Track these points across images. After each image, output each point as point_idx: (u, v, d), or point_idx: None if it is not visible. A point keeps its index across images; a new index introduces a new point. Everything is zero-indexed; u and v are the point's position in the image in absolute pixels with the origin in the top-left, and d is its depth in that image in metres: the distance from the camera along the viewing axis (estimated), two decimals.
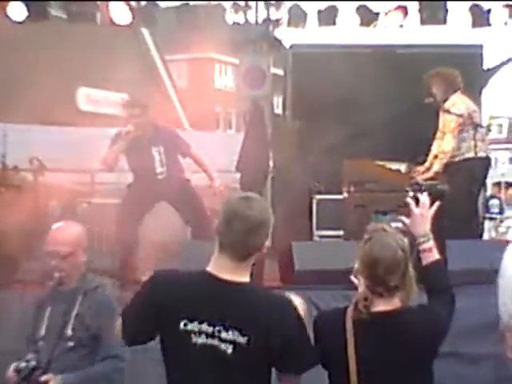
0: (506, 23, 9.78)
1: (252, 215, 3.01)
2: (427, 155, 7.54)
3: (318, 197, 8.58)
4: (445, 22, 9.75)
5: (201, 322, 2.95)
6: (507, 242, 10.90)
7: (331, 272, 5.92)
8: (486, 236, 10.86)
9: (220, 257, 3.04)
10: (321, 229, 8.43)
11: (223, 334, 2.93)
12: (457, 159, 7.35)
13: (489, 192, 20.46)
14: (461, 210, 7.48)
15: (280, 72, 10.49)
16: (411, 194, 7.31)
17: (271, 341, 2.93)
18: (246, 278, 3.04)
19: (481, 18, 9.73)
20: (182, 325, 2.97)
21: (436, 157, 7.46)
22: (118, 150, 7.15)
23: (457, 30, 9.99)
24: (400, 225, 7.01)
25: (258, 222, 3.02)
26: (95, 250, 6.87)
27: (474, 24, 9.78)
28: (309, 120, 9.20)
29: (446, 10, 9.67)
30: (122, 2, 9.85)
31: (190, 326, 2.96)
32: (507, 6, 9.68)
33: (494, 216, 18.35)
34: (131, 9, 10.01)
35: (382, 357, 3.09)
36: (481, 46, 9.79)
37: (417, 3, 9.69)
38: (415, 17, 9.77)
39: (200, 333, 2.95)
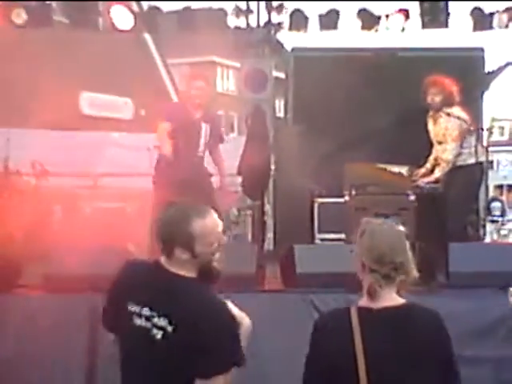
0: (507, 26, 9.80)
1: (160, 221, 3.31)
2: (427, 158, 7.56)
3: (320, 200, 8.59)
4: (446, 25, 9.77)
5: (143, 306, 3.22)
6: (505, 244, 10.93)
7: (333, 275, 5.93)
8: (487, 239, 10.86)
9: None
10: (322, 232, 8.43)
11: (155, 320, 3.17)
12: (458, 164, 7.38)
13: (491, 194, 20.46)
14: (462, 213, 7.51)
15: (282, 75, 10.51)
16: (412, 197, 7.38)
17: (195, 336, 3.09)
18: (187, 273, 3.25)
19: (482, 21, 9.75)
20: (129, 306, 3.25)
21: (437, 160, 7.48)
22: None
23: (458, 33, 10.02)
24: (401, 228, 7.03)
25: (166, 227, 3.28)
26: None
27: (476, 27, 9.80)
28: (310, 123, 9.21)
29: (448, 14, 9.69)
30: (124, 7, 9.87)
31: (133, 308, 3.24)
32: (508, 9, 9.70)
33: (495, 219, 18.35)
34: (133, 14, 10.04)
35: (391, 351, 3.10)
36: (482, 49, 9.79)
37: (418, 6, 9.71)
38: (417, 20, 9.79)
39: (140, 315, 3.22)
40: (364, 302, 3.18)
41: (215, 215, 3.34)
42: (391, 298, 3.17)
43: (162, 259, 3.29)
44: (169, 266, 3.27)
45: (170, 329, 3.12)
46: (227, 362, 3.13)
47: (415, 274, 3.19)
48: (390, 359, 3.08)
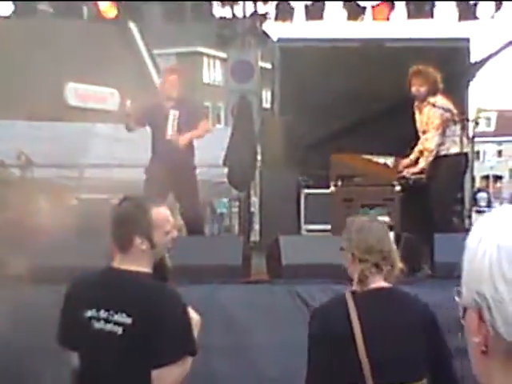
0: (492, 17, 9.80)
1: (116, 213, 3.38)
2: (413, 148, 7.56)
3: (306, 191, 8.58)
4: (432, 15, 9.76)
5: (99, 309, 3.25)
6: None
7: (319, 266, 5.93)
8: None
9: (118, 253, 3.38)
10: (309, 223, 8.42)
11: (115, 317, 3.22)
12: (442, 154, 7.38)
13: (477, 185, 20.55)
14: (446, 203, 7.52)
15: (268, 66, 10.49)
16: (398, 188, 7.39)
17: (151, 325, 3.16)
18: (138, 268, 3.31)
19: (467, 11, 9.75)
20: (85, 313, 3.27)
21: (422, 152, 7.48)
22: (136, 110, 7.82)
23: (444, 23, 10.01)
24: (387, 219, 7.06)
25: (123, 218, 3.35)
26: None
27: (461, 17, 9.80)
28: (297, 114, 9.20)
29: (433, 4, 9.68)
30: None
31: (90, 313, 3.26)
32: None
33: (481, 209, 18.42)
34: (118, 2, 9.98)
35: (386, 325, 3.38)
36: (468, 40, 9.81)
37: None
38: (402, 10, 9.78)
39: (98, 318, 3.25)
40: (355, 287, 3.44)
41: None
42: (380, 283, 3.45)
43: (116, 259, 3.35)
44: (123, 264, 3.31)
45: (128, 321, 3.18)
46: (181, 350, 3.23)
47: (400, 265, 3.50)
48: (385, 333, 3.36)
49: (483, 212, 18.58)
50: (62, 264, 6.38)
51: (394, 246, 3.53)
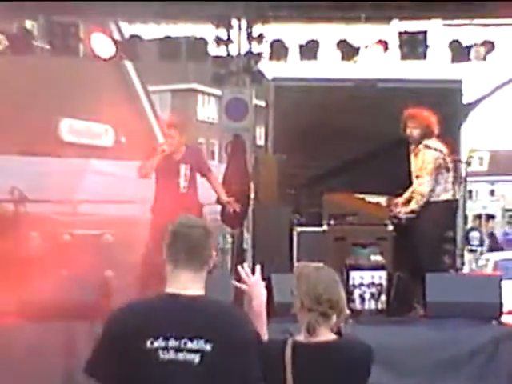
0: (484, 59, 9.92)
1: (193, 232, 3.24)
2: (407, 188, 7.60)
3: (299, 229, 8.60)
4: (425, 56, 9.87)
5: (167, 338, 3.07)
6: (482, 275, 10.96)
7: None
8: (466, 268, 10.91)
9: (174, 275, 3.22)
10: (301, 261, 8.40)
11: (188, 345, 3.05)
12: (432, 200, 7.44)
13: (469, 224, 20.59)
14: (436, 244, 7.56)
15: (262, 103, 10.57)
16: (391, 227, 7.43)
17: (232, 351, 3.08)
18: (201, 290, 3.23)
19: (460, 53, 9.86)
20: (148, 343, 3.07)
21: (414, 193, 7.53)
22: (154, 162, 7.84)
23: (437, 65, 10.13)
24: (379, 258, 7.09)
25: (204, 236, 3.26)
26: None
27: (454, 59, 9.92)
28: (290, 152, 9.26)
29: (426, 45, 9.79)
30: (105, 35, 9.92)
31: (156, 344, 3.07)
32: (485, 42, 9.82)
33: (474, 248, 18.44)
34: (114, 42, 10.08)
35: (317, 378, 3.33)
36: (460, 81, 9.91)
37: (397, 38, 9.81)
38: (396, 51, 9.89)
39: (167, 348, 3.07)
40: (301, 337, 3.40)
41: None
42: (326, 335, 3.39)
43: (173, 283, 3.20)
44: (183, 287, 3.18)
45: (208, 347, 3.05)
46: (259, 376, 3.14)
47: (347, 311, 3.47)
48: None
49: (475, 251, 18.61)
50: (53, 300, 6.39)
51: (343, 294, 3.47)
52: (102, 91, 17.34)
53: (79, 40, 9.91)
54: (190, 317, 3.12)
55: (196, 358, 3.04)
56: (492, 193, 48.86)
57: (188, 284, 3.20)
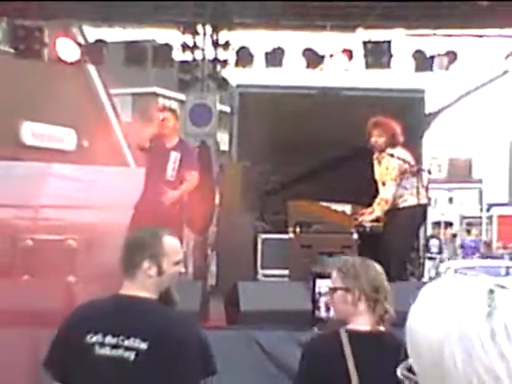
0: (447, 68, 10.06)
1: (126, 240, 3.45)
2: (375, 197, 7.65)
3: (263, 236, 8.63)
4: (389, 66, 9.98)
5: (105, 335, 3.18)
6: None
7: (277, 312, 5.95)
8: (426, 276, 11.00)
9: (124, 281, 3.37)
10: (265, 268, 8.46)
11: (125, 343, 3.15)
12: (400, 206, 7.47)
13: (429, 232, 20.78)
14: (403, 251, 7.61)
15: (226, 109, 10.59)
16: (356, 235, 7.48)
17: (170, 348, 3.14)
18: (145, 294, 3.30)
19: (423, 63, 9.99)
20: (87, 338, 3.19)
21: (379, 203, 7.58)
22: (151, 131, 7.88)
23: (400, 74, 10.24)
24: None
25: (135, 241, 3.42)
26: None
27: (417, 69, 10.04)
28: (254, 159, 9.27)
29: (391, 55, 9.90)
30: (70, 40, 9.88)
31: (94, 338, 3.18)
32: (448, 52, 9.96)
33: (433, 256, 18.65)
34: (79, 46, 10.04)
35: (381, 372, 3.25)
36: (423, 91, 10.02)
37: (362, 47, 9.91)
38: (360, 60, 9.98)
39: (104, 344, 3.17)
40: (351, 326, 3.44)
41: None
42: (374, 325, 3.45)
43: (123, 287, 3.33)
44: (130, 290, 3.30)
45: (143, 346, 3.12)
46: (202, 371, 3.20)
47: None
48: (379, 378, 3.26)
49: (434, 259, 18.81)
50: (16, 307, 6.33)
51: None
52: (64, 94, 17.18)
53: (44, 44, 9.85)
54: (128, 316, 3.24)
55: (131, 356, 3.14)
56: (450, 200, 49.40)
57: (132, 287, 3.31)
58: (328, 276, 6.96)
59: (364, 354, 3.35)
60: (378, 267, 3.57)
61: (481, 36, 10.36)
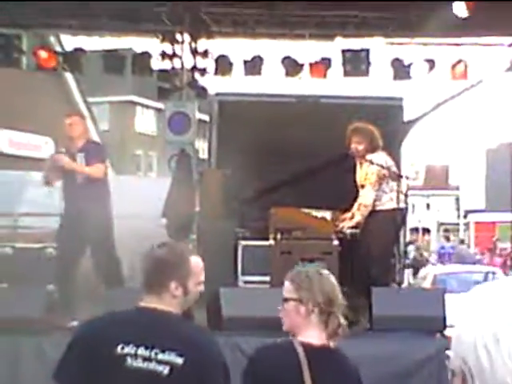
0: (425, 77, 10.14)
1: (155, 257, 3.38)
2: (353, 203, 7.69)
3: (244, 242, 8.64)
4: (367, 74, 10.05)
5: (138, 346, 3.15)
6: (426, 289, 11.07)
7: (259, 319, 5.98)
8: (405, 282, 11.05)
9: (146, 296, 3.35)
10: (246, 274, 8.48)
11: (159, 356, 3.14)
12: (378, 209, 7.51)
13: (407, 238, 20.85)
14: (383, 257, 7.65)
15: (206, 117, 10.60)
16: (336, 242, 7.51)
17: (203, 368, 3.16)
18: (171, 309, 3.30)
19: (402, 71, 10.07)
20: (118, 349, 3.14)
21: (359, 208, 7.62)
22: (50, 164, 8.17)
23: (379, 82, 10.31)
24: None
25: (163, 261, 3.35)
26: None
27: (396, 77, 10.11)
28: (233, 166, 9.29)
29: (369, 63, 9.97)
30: (48, 50, 9.87)
31: (126, 350, 3.14)
32: (427, 60, 10.05)
33: (412, 262, 18.73)
34: (57, 54, 10.03)
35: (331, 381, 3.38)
36: (401, 99, 10.09)
37: (340, 55, 9.97)
38: (339, 68, 10.04)
39: (136, 356, 3.14)
40: (302, 338, 3.38)
41: None
42: (325, 340, 3.41)
43: (145, 300, 3.32)
44: (153, 304, 3.29)
45: (179, 361, 3.12)
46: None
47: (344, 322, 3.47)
48: None
49: (412, 266, 18.87)
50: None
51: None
52: (41, 102, 17.15)
53: (22, 52, 9.83)
54: (161, 329, 3.22)
55: (165, 370, 3.12)
56: (428, 206, 49.66)
57: (155, 301, 3.29)
58: None
59: (319, 368, 3.32)
60: (333, 279, 3.49)
61: (459, 45, 10.47)
